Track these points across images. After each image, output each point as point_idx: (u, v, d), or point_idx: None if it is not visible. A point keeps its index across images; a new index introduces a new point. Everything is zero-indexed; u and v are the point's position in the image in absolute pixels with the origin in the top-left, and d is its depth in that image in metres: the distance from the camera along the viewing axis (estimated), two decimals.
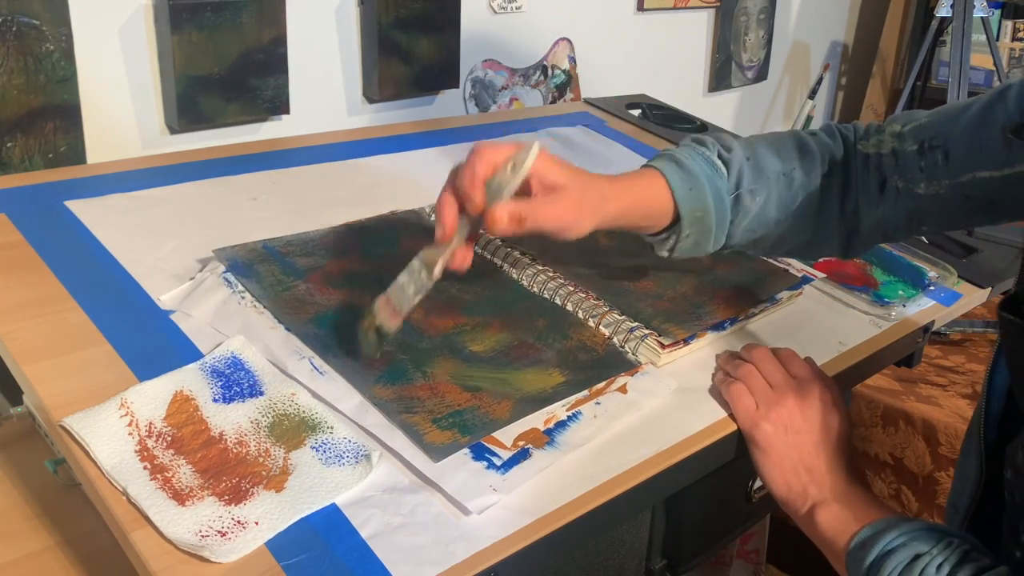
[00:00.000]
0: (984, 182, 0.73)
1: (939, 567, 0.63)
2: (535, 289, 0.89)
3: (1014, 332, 0.60)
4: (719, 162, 0.80)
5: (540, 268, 0.90)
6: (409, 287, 0.72)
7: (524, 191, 0.71)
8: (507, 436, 0.69)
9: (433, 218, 0.98)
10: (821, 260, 1.04)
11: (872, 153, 0.81)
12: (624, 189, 0.77)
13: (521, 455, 0.68)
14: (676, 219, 0.78)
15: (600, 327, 0.84)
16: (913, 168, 0.78)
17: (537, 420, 0.72)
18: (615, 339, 0.83)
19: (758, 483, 0.94)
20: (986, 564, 0.62)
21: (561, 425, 0.72)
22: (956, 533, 0.66)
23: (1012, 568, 0.62)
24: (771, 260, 1.00)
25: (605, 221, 0.75)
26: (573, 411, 0.74)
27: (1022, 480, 0.61)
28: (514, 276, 0.90)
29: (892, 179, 0.79)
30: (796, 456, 0.75)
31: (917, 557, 0.64)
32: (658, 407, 0.77)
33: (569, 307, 0.86)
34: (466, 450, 0.67)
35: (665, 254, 0.81)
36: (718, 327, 0.87)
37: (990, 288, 1.08)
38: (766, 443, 0.75)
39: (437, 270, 0.71)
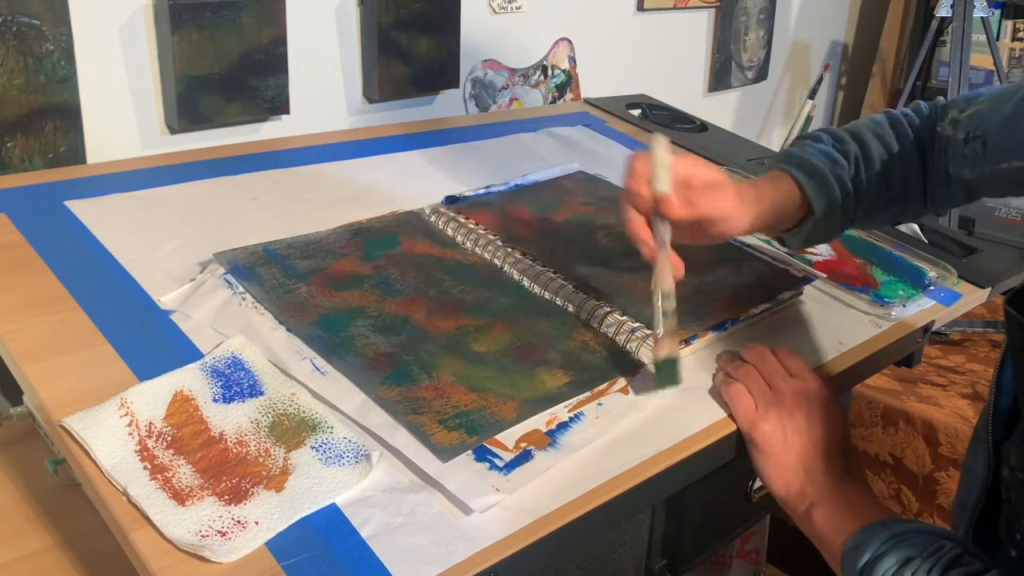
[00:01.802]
0: (1019, 171, 0.76)
1: (929, 571, 0.63)
2: (536, 290, 0.89)
3: (1019, 328, 0.60)
4: (838, 154, 0.86)
5: (541, 269, 0.90)
6: (658, 314, 0.78)
7: (686, 187, 0.78)
8: (509, 438, 0.69)
9: (434, 219, 0.98)
10: (822, 260, 1.04)
11: (941, 135, 0.85)
12: (770, 190, 0.84)
13: (523, 457, 0.68)
14: (807, 215, 0.85)
15: (602, 328, 0.84)
16: (958, 156, 0.82)
17: (539, 421, 0.72)
18: (617, 340, 0.83)
19: (758, 483, 0.94)
20: (977, 568, 0.62)
21: (563, 426, 0.72)
22: (951, 536, 0.66)
23: (1008, 568, 0.62)
24: (771, 261, 1.00)
25: (758, 218, 0.82)
26: (575, 412, 0.74)
27: (1016, 479, 0.61)
28: (515, 277, 0.90)
29: (948, 164, 0.84)
30: (795, 456, 0.75)
31: (908, 561, 0.64)
32: (659, 407, 0.77)
33: (571, 308, 0.86)
34: (469, 451, 0.67)
35: (798, 245, 0.89)
36: (719, 327, 0.87)
37: (990, 288, 1.08)
38: (765, 443, 0.75)
39: (665, 285, 0.78)
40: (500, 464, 0.66)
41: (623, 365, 0.80)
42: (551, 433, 0.71)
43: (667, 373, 0.77)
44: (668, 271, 0.78)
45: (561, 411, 0.73)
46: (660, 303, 0.78)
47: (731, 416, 0.77)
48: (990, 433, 0.71)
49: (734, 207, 0.80)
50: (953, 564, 0.63)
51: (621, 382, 0.78)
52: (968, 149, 0.80)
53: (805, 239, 0.87)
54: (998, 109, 0.79)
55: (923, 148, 0.86)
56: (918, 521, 0.68)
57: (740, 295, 0.92)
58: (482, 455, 0.67)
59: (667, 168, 0.77)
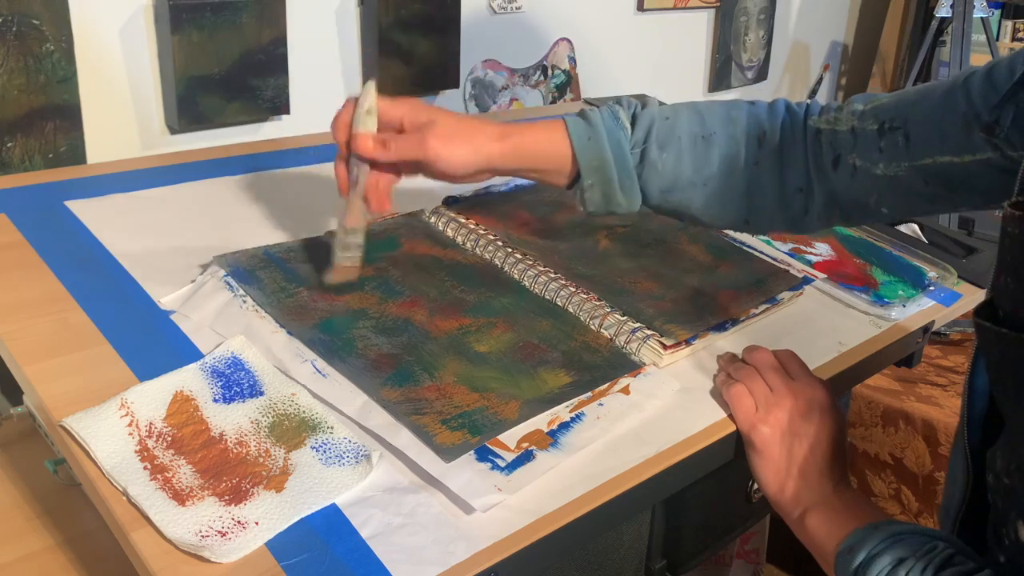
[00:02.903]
0: (945, 167, 0.73)
1: (922, 571, 0.63)
2: (537, 290, 0.89)
3: (990, 338, 0.59)
4: (624, 118, 0.82)
5: (542, 269, 0.90)
6: (336, 247, 0.82)
7: (395, 130, 0.80)
8: (511, 438, 0.69)
9: (434, 220, 0.98)
10: (827, 259, 1.04)
11: (825, 129, 0.79)
12: (517, 132, 0.82)
13: (525, 457, 0.68)
14: (579, 171, 0.82)
15: (602, 328, 0.84)
16: (872, 148, 0.77)
17: (541, 422, 0.72)
18: (618, 340, 0.83)
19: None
20: (970, 568, 0.62)
21: (564, 427, 0.72)
22: (944, 536, 0.66)
23: (996, 572, 0.62)
24: (772, 261, 1.00)
25: (493, 159, 0.80)
26: (576, 412, 0.74)
27: (1002, 485, 0.61)
28: (515, 277, 0.90)
29: (848, 157, 0.78)
30: (791, 460, 0.75)
31: (901, 562, 0.64)
32: (660, 408, 0.77)
33: (571, 308, 0.86)
34: (471, 451, 0.67)
35: (581, 208, 0.84)
36: (720, 328, 0.87)
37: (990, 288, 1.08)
38: (763, 446, 0.75)
39: (349, 221, 0.81)
40: (502, 464, 0.66)
41: (624, 365, 0.80)
42: (553, 433, 0.71)
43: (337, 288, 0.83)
44: (357, 208, 0.80)
45: (563, 411, 0.73)
46: (343, 237, 0.81)
47: (731, 417, 0.77)
48: (966, 438, 0.71)
49: (437, 146, 0.78)
50: (946, 564, 0.63)
51: (622, 382, 0.78)
52: (885, 142, 0.75)
53: (586, 201, 0.83)
54: (915, 104, 0.75)
55: (786, 144, 0.80)
56: (912, 523, 0.68)
57: (740, 295, 0.92)
58: (484, 455, 0.67)
59: (372, 112, 0.79)
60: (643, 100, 0.86)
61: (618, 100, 0.85)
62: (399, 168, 0.81)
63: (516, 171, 0.83)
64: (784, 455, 0.75)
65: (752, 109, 0.83)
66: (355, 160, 0.80)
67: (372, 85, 0.80)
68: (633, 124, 0.82)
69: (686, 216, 0.85)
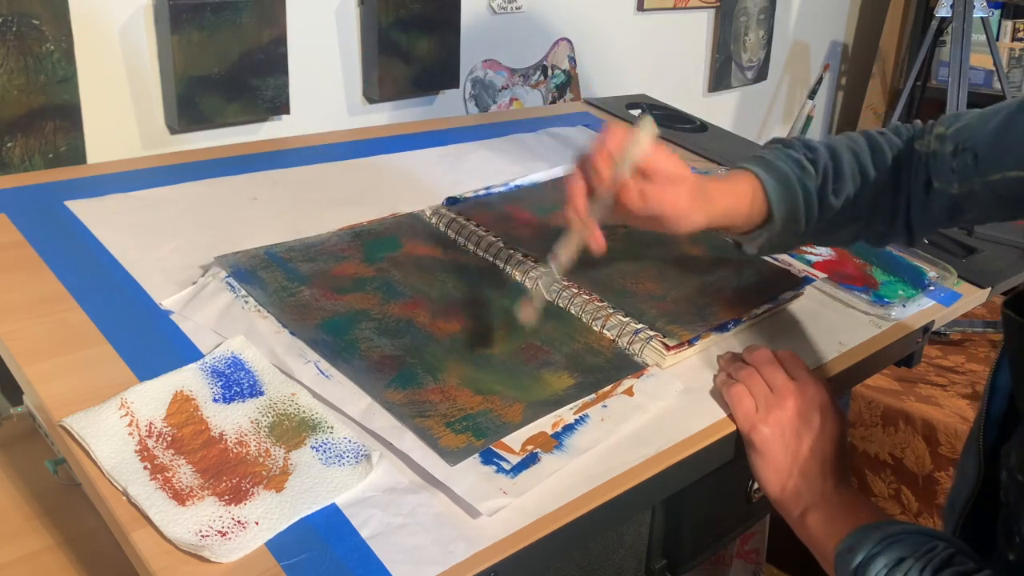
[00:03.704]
0: (1013, 182, 0.74)
1: (921, 571, 0.63)
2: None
3: (1014, 329, 0.60)
4: (807, 163, 0.84)
5: (543, 271, 0.90)
6: (548, 280, 0.83)
7: (645, 177, 0.75)
8: (515, 440, 0.69)
9: (435, 220, 0.98)
10: (827, 259, 1.04)
11: (922, 152, 0.83)
12: (727, 191, 0.82)
13: (530, 459, 0.68)
14: (767, 219, 0.83)
15: (605, 330, 0.84)
16: (946, 170, 0.79)
17: (545, 424, 0.72)
18: (620, 341, 0.83)
19: (757, 483, 0.94)
20: (970, 568, 0.63)
21: (569, 429, 0.72)
22: (944, 537, 0.66)
23: (1002, 570, 0.62)
24: (773, 261, 1.00)
25: (712, 219, 0.80)
26: (580, 414, 0.73)
27: (1016, 482, 0.61)
28: (517, 279, 0.90)
29: (933, 179, 0.82)
30: (792, 460, 0.75)
31: (900, 561, 0.64)
32: (663, 409, 0.77)
33: (573, 310, 0.86)
34: (476, 454, 0.67)
35: (754, 251, 0.86)
36: (722, 328, 0.87)
37: (990, 288, 1.08)
38: (764, 446, 0.76)
39: (563, 258, 0.75)
40: (507, 467, 0.66)
41: (627, 367, 0.80)
42: (557, 436, 0.71)
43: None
44: (574, 248, 0.75)
45: (567, 413, 0.73)
46: (555, 271, 0.76)
47: (731, 416, 0.77)
48: (982, 436, 0.71)
49: (685, 207, 0.77)
50: (945, 564, 0.63)
51: (626, 384, 0.78)
52: (957, 162, 0.79)
53: (762, 245, 0.85)
54: (987, 121, 0.77)
55: (899, 168, 0.84)
56: (912, 523, 0.68)
57: (741, 296, 0.92)
58: (489, 458, 0.67)
59: (636, 158, 0.74)
60: (804, 141, 0.88)
61: (783, 141, 0.87)
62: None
63: (717, 227, 0.83)
64: (785, 455, 0.75)
65: (887, 137, 0.87)
66: (599, 201, 0.74)
67: (651, 125, 0.75)
68: (814, 168, 0.84)
69: (828, 243, 0.93)
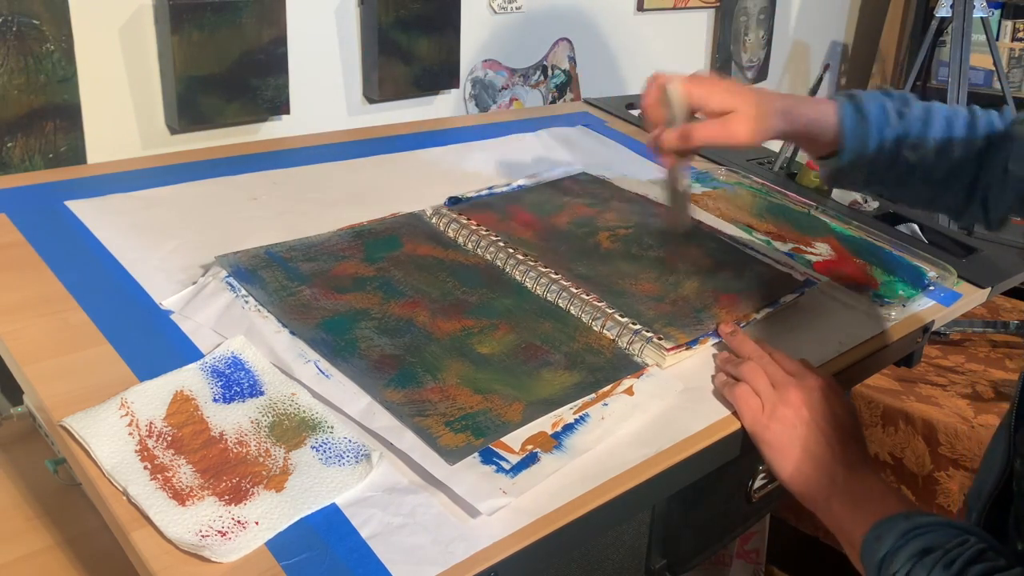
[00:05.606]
0: None
1: (951, 565, 0.62)
2: (538, 292, 0.89)
3: None
4: (894, 112, 0.89)
5: (543, 270, 0.90)
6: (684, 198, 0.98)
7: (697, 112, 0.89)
8: (515, 440, 0.69)
9: (436, 220, 0.98)
10: (822, 260, 1.04)
11: (1014, 135, 0.87)
12: (812, 107, 0.90)
13: (530, 459, 0.68)
14: (833, 152, 0.90)
15: (604, 330, 0.84)
16: (1021, 153, 0.84)
17: (545, 423, 0.72)
18: (620, 341, 0.83)
19: (758, 483, 0.94)
20: (1001, 564, 0.62)
21: (569, 428, 0.72)
22: (974, 531, 0.65)
23: (1018, 560, 0.61)
24: (774, 264, 1.00)
25: (793, 128, 0.89)
26: (580, 414, 0.73)
27: None
28: (517, 278, 0.90)
29: (1010, 162, 0.86)
30: (808, 451, 0.75)
31: (929, 552, 0.64)
32: (663, 408, 0.77)
33: (573, 310, 0.86)
34: (475, 453, 0.67)
35: (826, 176, 0.94)
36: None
37: (990, 288, 1.08)
38: (777, 442, 0.75)
39: (681, 185, 0.94)
40: (507, 467, 0.66)
41: (627, 366, 0.80)
42: (557, 435, 0.71)
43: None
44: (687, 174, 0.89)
45: (566, 413, 0.73)
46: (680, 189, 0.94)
47: (736, 416, 0.77)
48: (1012, 425, 0.71)
49: (743, 136, 0.86)
50: (976, 559, 0.62)
51: (626, 383, 0.78)
52: None
53: (831, 174, 0.92)
54: None
55: (989, 147, 0.87)
56: (939, 515, 0.68)
57: (743, 299, 0.92)
58: (488, 457, 0.67)
59: (682, 110, 0.89)
60: (904, 96, 0.92)
61: (884, 90, 0.93)
62: None
63: (784, 139, 0.94)
64: (800, 447, 0.75)
65: (989, 117, 0.90)
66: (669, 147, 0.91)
67: (678, 89, 0.90)
68: (900, 119, 0.89)
69: (905, 199, 0.96)
